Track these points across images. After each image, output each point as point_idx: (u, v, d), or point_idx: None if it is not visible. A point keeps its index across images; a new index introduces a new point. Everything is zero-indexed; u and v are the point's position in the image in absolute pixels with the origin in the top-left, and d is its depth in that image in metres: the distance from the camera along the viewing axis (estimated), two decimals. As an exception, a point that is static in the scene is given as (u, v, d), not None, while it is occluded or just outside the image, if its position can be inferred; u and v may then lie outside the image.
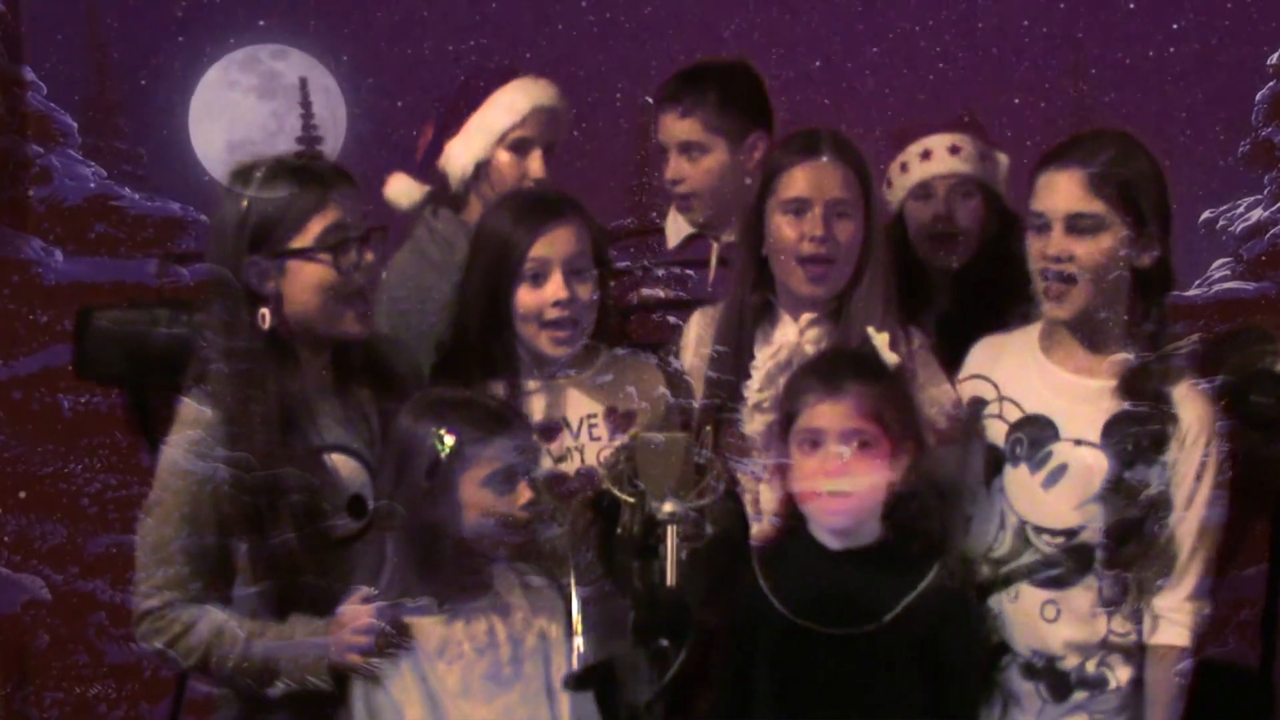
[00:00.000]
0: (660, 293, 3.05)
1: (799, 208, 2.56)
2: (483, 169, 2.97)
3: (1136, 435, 2.42)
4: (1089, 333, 2.49)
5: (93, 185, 4.25)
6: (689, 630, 1.97)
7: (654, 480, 2.06)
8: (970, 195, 3.08)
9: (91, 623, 4.26)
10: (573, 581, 2.07)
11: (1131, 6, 3.59)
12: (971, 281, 3.05)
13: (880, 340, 2.46)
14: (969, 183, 3.08)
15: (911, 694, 2.35)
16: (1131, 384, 2.45)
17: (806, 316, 2.62)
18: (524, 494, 2.32)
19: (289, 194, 2.32)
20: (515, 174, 2.96)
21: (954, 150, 3.10)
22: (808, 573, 2.39)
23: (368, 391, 2.46)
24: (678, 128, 3.02)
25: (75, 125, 4.20)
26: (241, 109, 3.94)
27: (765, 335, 2.64)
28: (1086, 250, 2.43)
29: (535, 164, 2.96)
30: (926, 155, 3.11)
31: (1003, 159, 3.21)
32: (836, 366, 2.42)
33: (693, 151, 3.00)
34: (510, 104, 2.97)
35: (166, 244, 4.25)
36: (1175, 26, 3.58)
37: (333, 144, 3.95)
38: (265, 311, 2.32)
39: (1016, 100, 3.82)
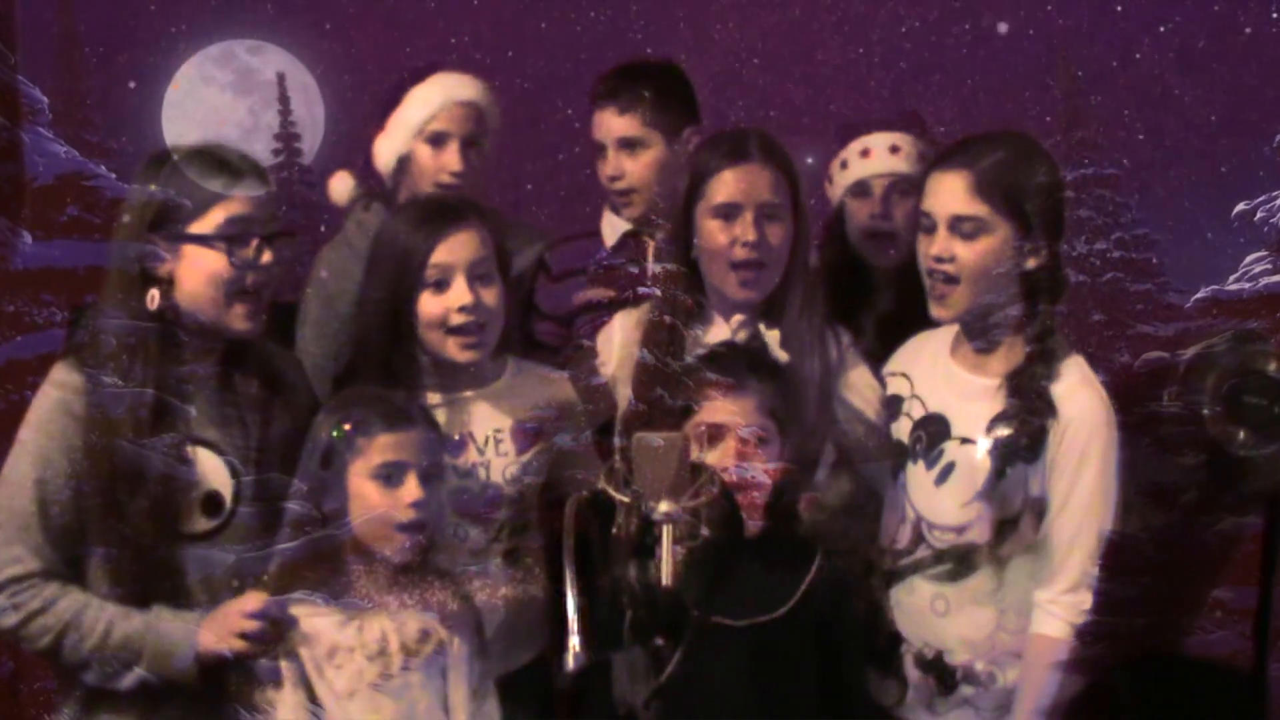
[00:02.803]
0: (611, 292, 3.03)
1: (729, 212, 2.59)
2: (405, 163, 3.01)
3: (1014, 433, 2.44)
4: (978, 333, 2.52)
5: (65, 163, 4.06)
6: (685, 629, 2.01)
7: (650, 481, 2.07)
8: (908, 194, 3.07)
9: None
10: (568, 584, 2.05)
11: (1119, 9, 3.63)
12: (910, 280, 3.06)
13: (771, 337, 2.48)
14: (907, 182, 3.09)
15: (808, 684, 2.36)
16: (1013, 382, 2.47)
17: (738, 318, 2.64)
18: (411, 492, 2.28)
19: (197, 179, 2.31)
20: (433, 167, 3.03)
21: (894, 149, 3.13)
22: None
23: (254, 396, 2.43)
24: (616, 124, 3.07)
25: (46, 101, 4.06)
26: (216, 105, 3.89)
27: (696, 337, 2.65)
28: (969, 252, 2.47)
29: (450, 157, 3.01)
30: (866, 153, 3.14)
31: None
32: (731, 363, 2.44)
33: (632, 147, 3.04)
34: (425, 98, 3.02)
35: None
36: (1162, 29, 3.61)
37: (310, 142, 3.92)
38: (155, 293, 2.31)
39: (1007, 102, 3.84)
